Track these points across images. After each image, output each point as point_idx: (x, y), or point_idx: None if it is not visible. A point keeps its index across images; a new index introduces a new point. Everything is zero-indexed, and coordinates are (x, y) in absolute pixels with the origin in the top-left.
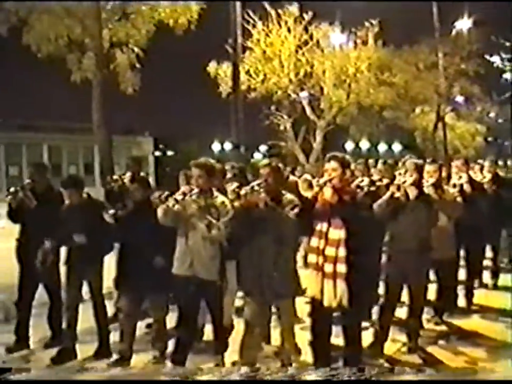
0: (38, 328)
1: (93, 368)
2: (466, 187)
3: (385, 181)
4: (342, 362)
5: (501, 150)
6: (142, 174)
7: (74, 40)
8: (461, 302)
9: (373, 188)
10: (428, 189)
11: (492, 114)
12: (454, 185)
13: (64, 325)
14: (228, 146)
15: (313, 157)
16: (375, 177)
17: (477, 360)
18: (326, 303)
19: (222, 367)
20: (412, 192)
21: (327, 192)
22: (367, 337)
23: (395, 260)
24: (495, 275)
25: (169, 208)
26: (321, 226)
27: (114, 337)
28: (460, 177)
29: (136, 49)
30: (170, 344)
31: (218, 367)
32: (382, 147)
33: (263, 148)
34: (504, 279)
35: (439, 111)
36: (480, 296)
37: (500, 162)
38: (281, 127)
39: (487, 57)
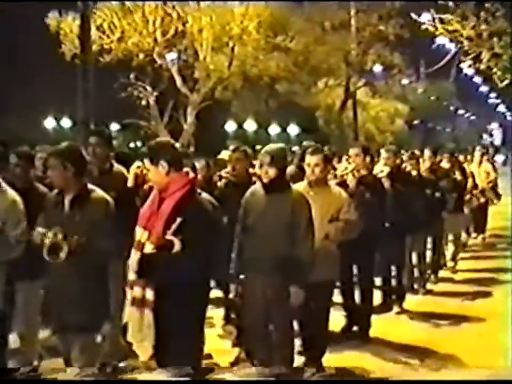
0: None
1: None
2: (350, 180)
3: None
4: None
5: (429, 136)
6: None
7: None
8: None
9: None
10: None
11: (419, 90)
12: (335, 176)
13: None
14: (66, 123)
15: (183, 141)
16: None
17: None
18: (128, 338)
19: None
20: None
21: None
22: None
23: (245, 287)
24: (399, 297)
25: None
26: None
27: None
28: (346, 168)
29: None
30: None
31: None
32: (274, 129)
33: (115, 126)
34: (412, 301)
35: (348, 85)
36: (385, 324)
37: (427, 152)
38: (143, 102)
39: (414, 16)
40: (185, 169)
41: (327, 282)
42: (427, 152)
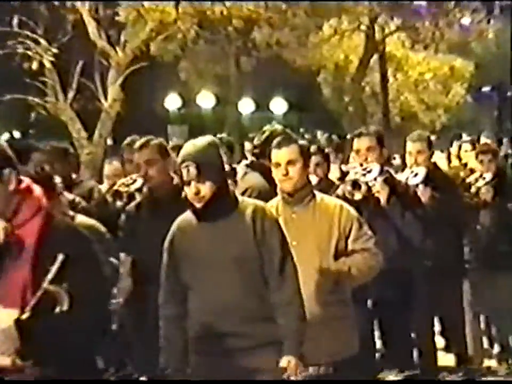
0: None
1: None
2: (381, 188)
3: None
4: None
5: (508, 111)
6: None
7: None
8: None
9: None
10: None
11: (491, 36)
12: (356, 185)
13: None
14: None
15: (103, 131)
16: None
17: None
18: None
19: None
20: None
21: None
22: None
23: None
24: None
25: None
26: None
27: None
28: (366, 169)
29: None
30: None
31: None
32: (247, 106)
33: None
34: None
35: (373, 30)
36: None
37: (485, 139)
38: (34, 65)
39: None
40: (26, 180)
41: (347, 360)
42: (485, 139)
